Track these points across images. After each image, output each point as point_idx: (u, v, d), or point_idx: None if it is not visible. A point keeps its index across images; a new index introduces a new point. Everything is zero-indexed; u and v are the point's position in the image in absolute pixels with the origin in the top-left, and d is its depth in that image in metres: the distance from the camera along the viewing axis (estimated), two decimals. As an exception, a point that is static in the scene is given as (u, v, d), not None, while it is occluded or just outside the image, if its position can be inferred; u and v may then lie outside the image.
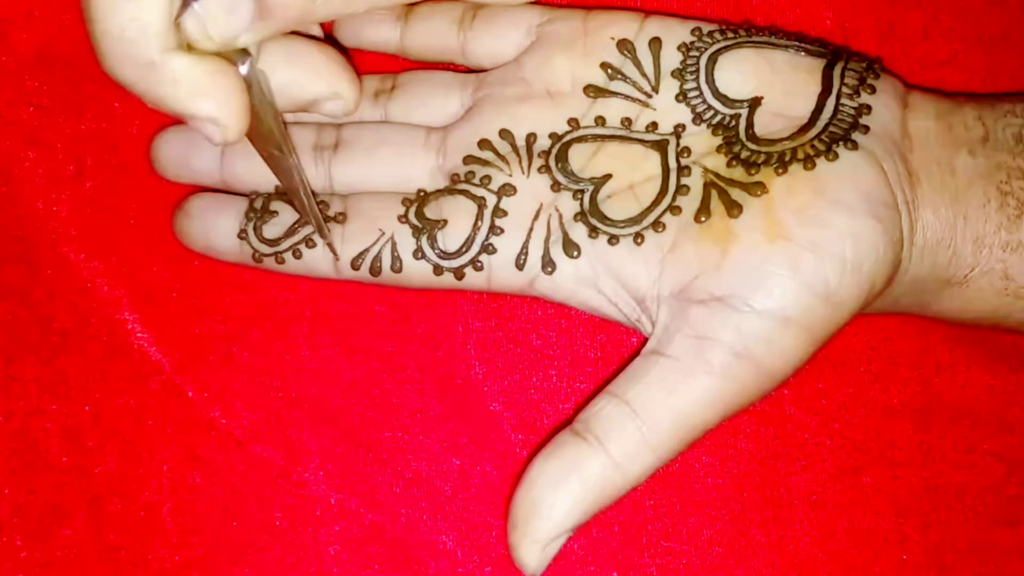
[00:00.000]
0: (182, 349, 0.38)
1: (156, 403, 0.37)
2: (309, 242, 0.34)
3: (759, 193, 0.31)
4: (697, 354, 0.30)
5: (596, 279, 0.33)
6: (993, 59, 0.37)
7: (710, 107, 0.33)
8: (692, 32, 0.34)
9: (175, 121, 0.37)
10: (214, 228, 0.35)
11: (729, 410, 0.30)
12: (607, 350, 0.37)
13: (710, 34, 0.34)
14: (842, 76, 0.32)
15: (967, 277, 0.33)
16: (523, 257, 0.33)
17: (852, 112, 0.32)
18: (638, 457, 0.30)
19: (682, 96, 0.33)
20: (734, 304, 0.30)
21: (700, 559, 0.37)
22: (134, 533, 0.37)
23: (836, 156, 0.31)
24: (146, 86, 0.30)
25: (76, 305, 0.38)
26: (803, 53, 0.33)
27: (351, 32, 0.36)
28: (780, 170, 0.31)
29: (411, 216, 0.34)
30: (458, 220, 0.33)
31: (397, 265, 0.34)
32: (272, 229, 0.34)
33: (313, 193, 0.34)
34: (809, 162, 0.31)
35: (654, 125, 0.34)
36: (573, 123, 0.34)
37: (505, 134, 0.34)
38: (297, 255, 0.34)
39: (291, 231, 0.34)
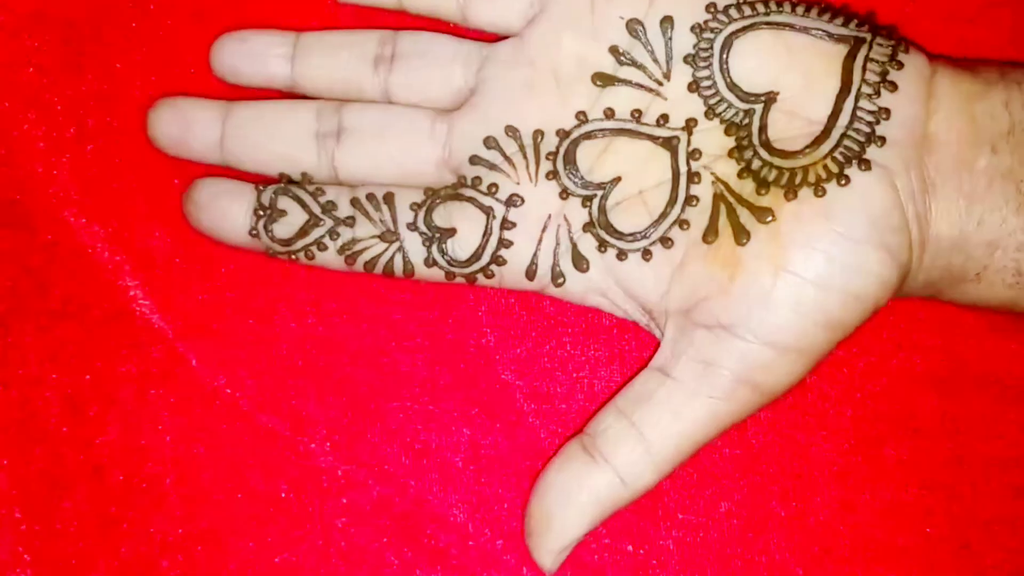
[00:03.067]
0: (185, 316, 0.37)
1: (158, 372, 0.37)
2: (321, 245, 0.34)
3: (767, 220, 0.31)
4: (701, 379, 0.31)
5: (605, 289, 0.33)
6: (1020, 16, 0.36)
7: (723, 100, 0.32)
8: (707, 8, 0.33)
9: (174, 85, 0.37)
10: (224, 220, 0.35)
11: (728, 426, 0.32)
12: (621, 319, 0.36)
13: (725, 10, 0.32)
14: (864, 69, 0.31)
15: (979, 275, 0.32)
16: (533, 268, 0.33)
17: (870, 118, 0.31)
18: (642, 474, 0.31)
19: (695, 85, 0.32)
20: (739, 333, 0.31)
21: (717, 532, 0.36)
22: (136, 505, 0.36)
23: (848, 181, 0.31)
24: None
25: (76, 271, 0.37)
26: (824, 36, 0.32)
27: None
28: (790, 196, 0.31)
29: (420, 223, 0.34)
30: (467, 229, 0.33)
31: (409, 270, 0.34)
32: (283, 229, 0.34)
33: (320, 190, 0.34)
34: (819, 188, 0.31)
35: (665, 118, 0.33)
36: (581, 117, 0.33)
37: (511, 131, 0.33)
38: (309, 256, 0.34)
39: (302, 232, 0.34)
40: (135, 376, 0.37)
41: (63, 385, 0.36)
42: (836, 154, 0.31)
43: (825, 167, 0.31)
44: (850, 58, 0.31)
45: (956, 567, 0.36)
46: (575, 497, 0.31)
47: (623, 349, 0.37)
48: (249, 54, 0.35)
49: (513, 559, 0.36)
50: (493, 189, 0.33)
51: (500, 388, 0.37)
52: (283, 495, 0.36)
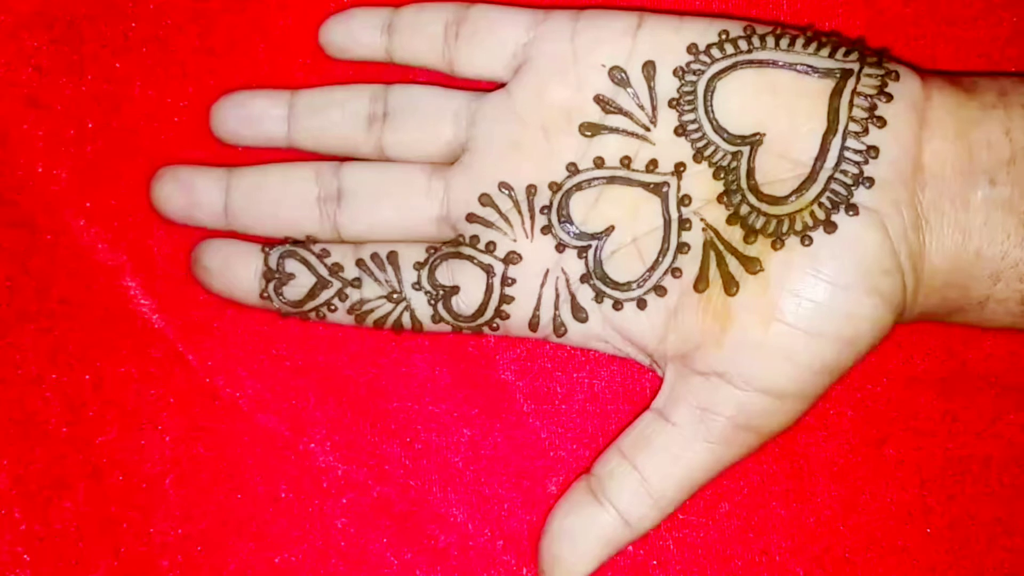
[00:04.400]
0: (185, 317, 0.37)
1: (158, 372, 0.37)
2: (331, 306, 0.34)
3: (756, 270, 0.31)
4: (699, 425, 0.32)
5: (605, 336, 0.34)
6: (1020, 17, 0.36)
7: (710, 143, 0.32)
8: (688, 50, 0.32)
9: (175, 85, 0.37)
10: (235, 283, 0.35)
11: (728, 465, 0.32)
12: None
13: (707, 50, 0.32)
14: (850, 106, 0.31)
15: (980, 304, 0.32)
16: (535, 321, 0.34)
17: (858, 159, 0.30)
18: (646, 516, 0.32)
19: (681, 129, 0.32)
20: (733, 381, 0.31)
21: (718, 532, 0.36)
22: (136, 505, 0.36)
23: (835, 228, 0.30)
24: None
25: (76, 271, 0.37)
26: (809, 71, 0.31)
27: (338, 43, 0.35)
28: (777, 245, 0.31)
29: (424, 282, 0.34)
30: (470, 286, 0.34)
31: (418, 327, 0.34)
32: (292, 291, 0.35)
33: (325, 251, 0.35)
34: (806, 238, 0.31)
35: (654, 163, 0.33)
36: (572, 168, 0.33)
37: (505, 187, 0.34)
38: (320, 316, 0.35)
39: (312, 295, 0.34)
40: (135, 376, 0.37)
41: (63, 385, 0.36)
42: (823, 199, 0.31)
43: (812, 214, 0.31)
44: (836, 94, 0.31)
45: (956, 567, 0.36)
46: (582, 540, 0.32)
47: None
48: (247, 119, 0.35)
49: (513, 559, 0.36)
50: (491, 247, 0.34)
51: (500, 388, 0.37)
52: (283, 495, 0.36)
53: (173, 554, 0.36)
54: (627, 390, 0.37)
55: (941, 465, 0.36)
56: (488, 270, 0.34)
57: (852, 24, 0.36)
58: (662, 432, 0.32)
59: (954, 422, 0.36)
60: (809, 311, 0.30)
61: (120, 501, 0.36)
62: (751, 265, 0.31)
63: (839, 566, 0.36)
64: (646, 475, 0.32)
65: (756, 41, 0.32)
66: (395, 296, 0.34)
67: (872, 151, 0.30)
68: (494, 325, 0.34)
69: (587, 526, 0.32)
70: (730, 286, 0.31)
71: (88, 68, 0.37)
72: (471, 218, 0.34)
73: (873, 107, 0.31)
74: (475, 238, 0.34)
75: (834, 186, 0.31)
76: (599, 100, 0.33)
